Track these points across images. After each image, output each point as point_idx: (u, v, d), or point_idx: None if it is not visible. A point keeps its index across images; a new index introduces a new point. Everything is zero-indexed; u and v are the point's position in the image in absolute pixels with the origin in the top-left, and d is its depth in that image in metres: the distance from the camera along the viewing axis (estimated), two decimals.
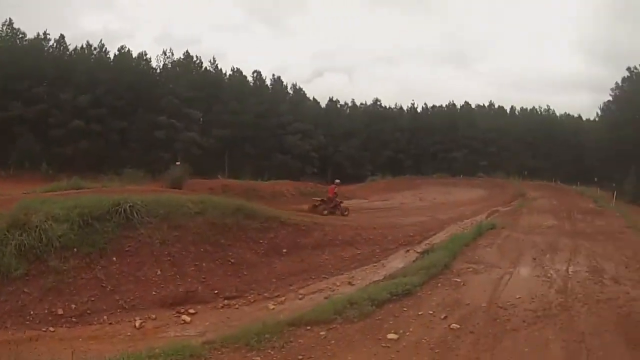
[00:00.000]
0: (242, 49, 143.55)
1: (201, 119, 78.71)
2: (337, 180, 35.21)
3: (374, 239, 20.55)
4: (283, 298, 14.27)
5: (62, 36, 71.34)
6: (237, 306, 13.77)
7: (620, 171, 66.71)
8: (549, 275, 13.81)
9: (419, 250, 19.08)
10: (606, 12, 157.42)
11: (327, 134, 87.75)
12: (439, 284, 12.53)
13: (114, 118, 67.48)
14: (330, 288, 14.75)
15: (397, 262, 17.68)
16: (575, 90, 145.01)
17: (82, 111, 64.20)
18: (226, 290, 14.44)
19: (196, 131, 73.60)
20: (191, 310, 13.13)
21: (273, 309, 13.31)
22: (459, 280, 13.06)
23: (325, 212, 28.11)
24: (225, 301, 13.97)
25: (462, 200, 46.91)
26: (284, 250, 17.31)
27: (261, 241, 17.16)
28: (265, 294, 14.54)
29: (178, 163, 62.84)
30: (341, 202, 30.92)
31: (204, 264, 15.09)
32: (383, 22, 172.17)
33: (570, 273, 14.17)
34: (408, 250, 19.62)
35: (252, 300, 14.17)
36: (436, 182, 72.64)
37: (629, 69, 73.45)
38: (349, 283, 15.15)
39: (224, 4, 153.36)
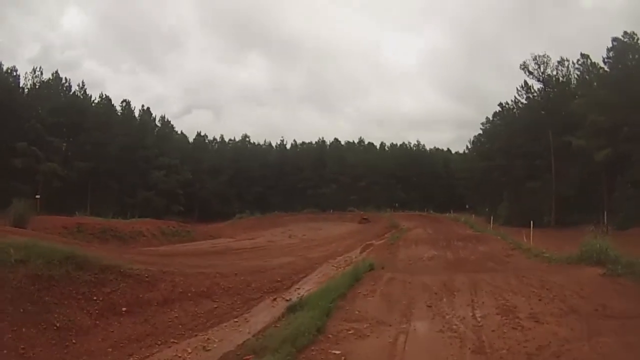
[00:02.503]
0: (113, 81, 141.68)
1: (64, 148, 74.31)
2: None
3: (234, 288, 17.39)
4: None
5: None
6: None
7: (492, 197, 75.66)
8: (455, 327, 11.50)
9: (287, 298, 16.64)
10: (461, 53, 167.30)
11: (194, 170, 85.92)
12: None
13: None
14: (180, 356, 11.59)
15: (262, 315, 14.73)
16: (437, 127, 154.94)
17: None
18: None
19: (57, 162, 68.82)
20: None
21: None
22: (337, 352, 10.11)
23: None
24: None
25: (334, 235, 45.84)
26: (124, 309, 13.80)
27: (95, 298, 13.65)
28: None
29: (38, 196, 58.64)
30: None
31: (23, 330, 11.53)
32: (250, 63, 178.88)
33: (479, 319, 12.03)
34: (275, 299, 16.67)
35: None
36: (306, 218, 73.03)
37: (500, 104, 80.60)
38: (204, 348, 12.13)
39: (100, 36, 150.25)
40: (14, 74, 72.67)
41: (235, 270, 20.42)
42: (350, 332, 11.47)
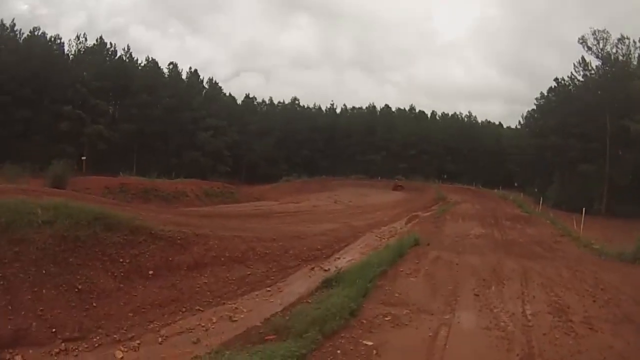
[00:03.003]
0: (161, 46, 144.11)
1: (110, 111, 75.19)
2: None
3: (271, 254, 16.46)
4: (137, 342, 10.14)
5: None
6: (76, 352, 9.84)
7: (542, 177, 71.37)
8: (503, 324, 10.31)
9: (326, 268, 15.66)
10: (514, 25, 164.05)
11: (242, 132, 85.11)
12: (336, 355, 8.57)
13: (17, 107, 62.24)
14: (203, 326, 10.73)
15: (297, 285, 13.79)
16: (487, 100, 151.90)
17: None
18: (67, 328, 10.28)
19: (103, 124, 69.31)
20: (17, 358, 9.25)
21: (121, 358, 9.64)
22: (369, 343, 8.94)
23: None
24: (63, 344, 9.99)
25: (380, 203, 44.87)
26: (150, 273, 13.01)
27: (121, 260, 12.82)
28: (115, 335, 10.40)
29: (84, 158, 59.31)
30: None
31: (44, 291, 10.85)
32: (299, 27, 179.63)
33: (529, 318, 10.77)
34: (312, 268, 15.79)
35: (96, 344, 10.09)
36: (353, 184, 72.52)
37: (556, 79, 75.31)
38: (230, 318, 11.18)
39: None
40: (58, 41, 73.38)
41: (274, 235, 19.47)
42: (387, 318, 10.42)
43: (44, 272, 11.28)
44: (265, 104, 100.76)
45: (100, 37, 77.78)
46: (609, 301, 12.29)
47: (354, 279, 12.06)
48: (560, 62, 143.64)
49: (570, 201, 51.55)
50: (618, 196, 57.09)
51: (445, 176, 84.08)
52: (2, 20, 68.16)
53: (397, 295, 12.04)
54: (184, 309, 11.79)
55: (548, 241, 24.71)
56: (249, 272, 14.71)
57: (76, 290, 11.35)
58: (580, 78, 70.00)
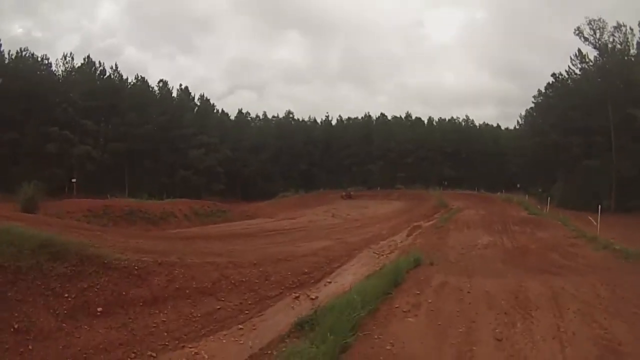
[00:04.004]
0: (154, 67, 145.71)
1: (99, 131, 73.58)
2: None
3: (248, 283, 13.90)
4: None
5: None
6: None
7: (545, 176, 70.18)
8: None
9: (313, 296, 13.26)
10: (505, 30, 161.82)
11: (235, 148, 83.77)
12: None
13: (4, 129, 60.95)
14: None
15: (276, 320, 11.30)
16: (479, 103, 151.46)
17: None
18: None
19: (91, 145, 68.30)
20: None
21: None
22: None
23: None
24: None
25: (379, 215, 43.33)
26: (99, 310, 10.63)
27: (66, 295, 10.51)
28: None
29: (74, 180, 58.08)
30: None
31: None
32: (289, 42, 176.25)
33: None
34: (297, 297, 13.26)
35: None
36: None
37: (554, 74, 73.33)
38: None
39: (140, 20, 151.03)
40: (46, 61, 72.01)
41: (256, 258, 16.89)
42: None
43: None
44: (260, 119, 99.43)
45: (88, 57, 76.52)
46: None
47: (333, 323, 9.24)
48: (552, 61, 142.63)
49: (576, 199, 50.33)
50: (628, 190, 54.61)
51: (445, 182, 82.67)
52: None
53: (389, 347, 9.15)
54: (133, 355, 9.52)
55: (563, 245, 22.74)
56: (218, 307, 12.26)
57: (12, 329, 9.20)
58: (577, 71, 68.44)
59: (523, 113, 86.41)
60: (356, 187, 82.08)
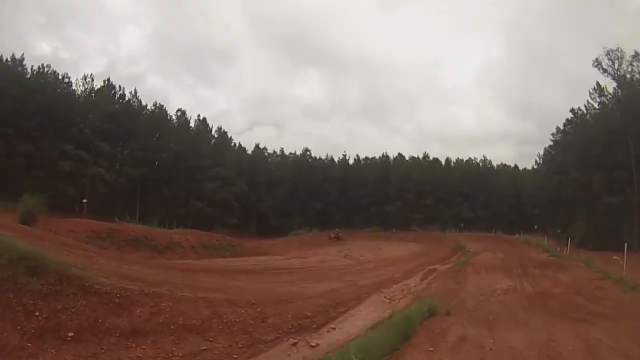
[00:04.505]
0: (176, 98, 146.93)
1: (115, 154, 73.88)
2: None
3: (242, 324, 12.53)
4: None
5: None
6: None
7: (564, 216, 67.10)
8: None
9: (313, 343, 11.74)
10: (521, 69, 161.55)
11: (251, 182, 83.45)
12: None
13: (19, 140, 61.36)
14: None
15: None
16: (495, 143, 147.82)
17: None
18: None
19: (105, 167, 68.20)
20: None
21: None
22: None
23: None
24: None
25: (394, 257, 41.81)
26: (70, 335, 9.46)
27: (37, 314, 9.46)
28: None
29: (85, 201, 58.06)
30: None
31: None
32: (308, 79, 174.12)
33: None
34: (295, 344, 11.87)
35: None
36: (366, 236, 70.12)
37: (572, 110, 72.73)
38: None
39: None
40: (67, 80, 72.70)
41: (255, 297, 15.45)
42: None
43: None
44: (277, 155, 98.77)
45: (108, 79, 77.30)
46: None
47: None
48: (570, 99, 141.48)
49: (597, 238, 49.04)
50: None
51: (462, 224, 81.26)
52: (13, 54, 68.15)
53: None
54: None
55: (588, 288, 21.60)
56: (204, 347, 10.78)
57: None
58: (596, 105, 67.39)
59: (541, 152, 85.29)
60: (373, 227, 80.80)
